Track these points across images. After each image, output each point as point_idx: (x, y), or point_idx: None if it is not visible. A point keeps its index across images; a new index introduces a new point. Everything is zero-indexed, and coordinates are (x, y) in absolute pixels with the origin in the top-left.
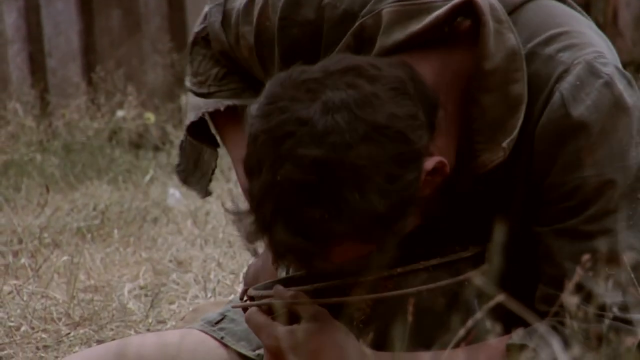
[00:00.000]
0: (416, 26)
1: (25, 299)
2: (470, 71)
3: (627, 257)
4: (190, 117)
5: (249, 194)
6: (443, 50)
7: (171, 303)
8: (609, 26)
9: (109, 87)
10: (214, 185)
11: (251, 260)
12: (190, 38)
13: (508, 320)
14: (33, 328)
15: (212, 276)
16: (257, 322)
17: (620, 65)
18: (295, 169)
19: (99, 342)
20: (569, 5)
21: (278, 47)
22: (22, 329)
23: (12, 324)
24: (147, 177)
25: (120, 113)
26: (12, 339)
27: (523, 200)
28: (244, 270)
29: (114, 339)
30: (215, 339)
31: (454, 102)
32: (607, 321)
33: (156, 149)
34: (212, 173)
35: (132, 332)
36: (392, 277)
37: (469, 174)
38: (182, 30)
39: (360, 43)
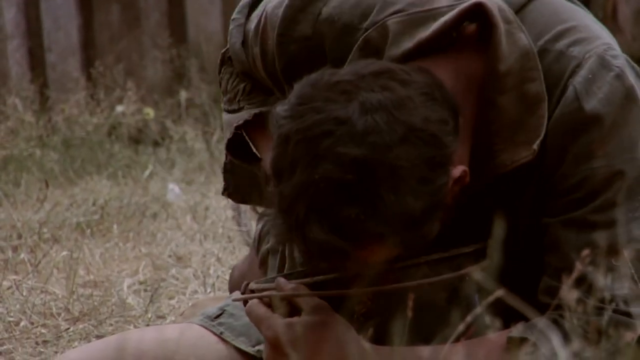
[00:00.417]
0: (424, 33)
1: (24, 294)
2: (482, 74)
3: (632, 250)
4: (226, 135)
5: (279, 195)
6: (452, 55)
7: (170, 298)
8: (608, 21)
9: (109, 82)
10: (214, 180)
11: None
12: (219, 58)
13: (508, 315)
14: (32, 323)
15: (211, 271)
16: (257, 314)
17: (628, 57)
18: (334, 168)
19: (99, 337)
20: (570, 0)
21: (278, 63)
22: (22, 324)
23: (11, 319)
24: (147, 173)
25: (119, 108)
26: (11, 334)
27: (533, 194)
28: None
29: (113, 334)
30: (215, 333)
31: (468, 107)
32: (607, 314)
33: (155, 144)
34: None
35: (132, 327)
36: (393, 271)
37: (485, 177)
38: (182, 25)
39: (367, 56)
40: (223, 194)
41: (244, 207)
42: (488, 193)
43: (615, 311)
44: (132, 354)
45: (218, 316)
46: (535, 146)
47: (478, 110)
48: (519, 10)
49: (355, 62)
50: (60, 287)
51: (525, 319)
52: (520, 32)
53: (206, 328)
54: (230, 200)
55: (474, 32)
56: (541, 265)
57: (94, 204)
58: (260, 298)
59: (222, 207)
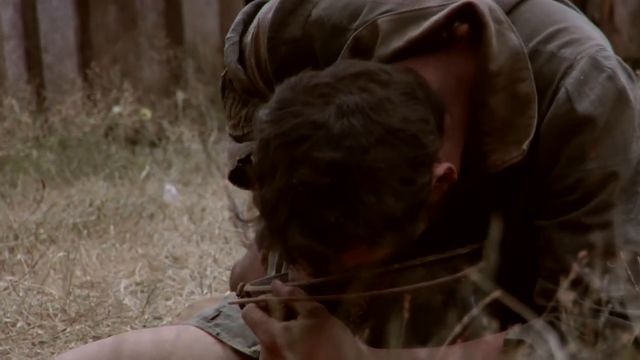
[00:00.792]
0: (414, 32)
1: (21, 295)
2: (472, 74)
3: (627, 251)
4: (229, 166)
5: (261, 199)
6: (442, 55)
7: (167, 299)
8: (605, 22)
9: (105, 83)
10: (210, 181)
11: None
12: (220, 81)
13: (505, 317)
14: (29, 324)
15: (208, 272)
16: (253, 319)
17: (620, 59)
18: (311, 172)
19: (95, 338)
20: (562, 1)
21: (270, 66)
22: (18, 325)
23: (8, 320)
24: (143, 174)
25: (116, 109)
26: (7, 335)
27: (526, 195)
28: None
29: (110, 335)
30: (211, 335)
31: (458, 107)
32: (603, 316)
33: (152, 145)
34: None
35: (128, 328)
36: (389, 273)
37: (476, 176)
38: (178, 26)
39: (357, 55)
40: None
41: (241, 208)
42: (480, 193)
43: (611, 313)
44: (128, 356)
45: (214, 317)
46: (524, 146)
47: (469, 110)
48: (510, 11)
49: (337, 64)
50: (56, 288)
51: (521, 320)
52: (510, 32)
53: (202, 329)
54: (227, 201)
55: (465, 32)
56: (533, 267)
57: (90, 205)
58: (256, 302)
59: (218, 208)
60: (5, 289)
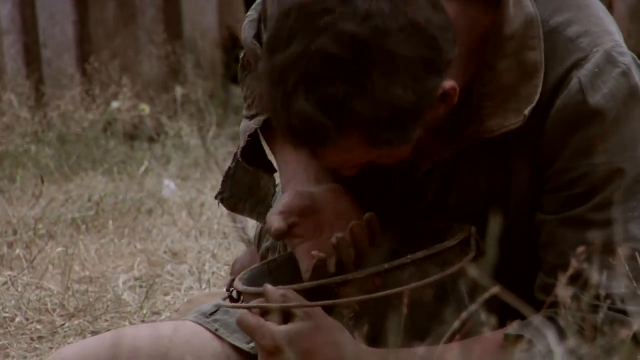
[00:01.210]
0: None
1: (19, 289)
2: (485, 27)
3: (629, 249)
4: (241, 143)
5: (270, 67)
6: (462, 1)
7: (166, 294)
8: None
9: (104, 78)
10: (209, 177)
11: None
12: (239, 63)
13: (503, 313)
14: (27, 319)
15: (206, 267)
16: (249, 324)
17: (635, 56)
18: (331, 42)
19: (94, 333)
20: None
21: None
22: (17, 319)
23: (6, 314)
24: (142, 169)
25: (115, 104)
26: (6, 330)
27: (528, 187)
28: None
29: (108, 330)
30: (210, 330)
31: (466, 49)
32: (602, 312)
33: (151, 140)
34: (272, 198)
35: (127, 323)
36: (380, 274)
37: (469, 140)
38: (177, 21)
39: None
40: (216, 197)
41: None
42: (474, 167)
43: (611, 309)
44: (126, 351)
45: (213, 313)
46: (526, 112)
47: (476, 65)
48: None
49: None
50: (55, 283)
51: (520, 315)
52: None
53: (201, 325)
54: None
55: None
56: (533, 261)
57: (89, 200)
58: (248, 308)
59: (217, 203)
60: (4, 283)
